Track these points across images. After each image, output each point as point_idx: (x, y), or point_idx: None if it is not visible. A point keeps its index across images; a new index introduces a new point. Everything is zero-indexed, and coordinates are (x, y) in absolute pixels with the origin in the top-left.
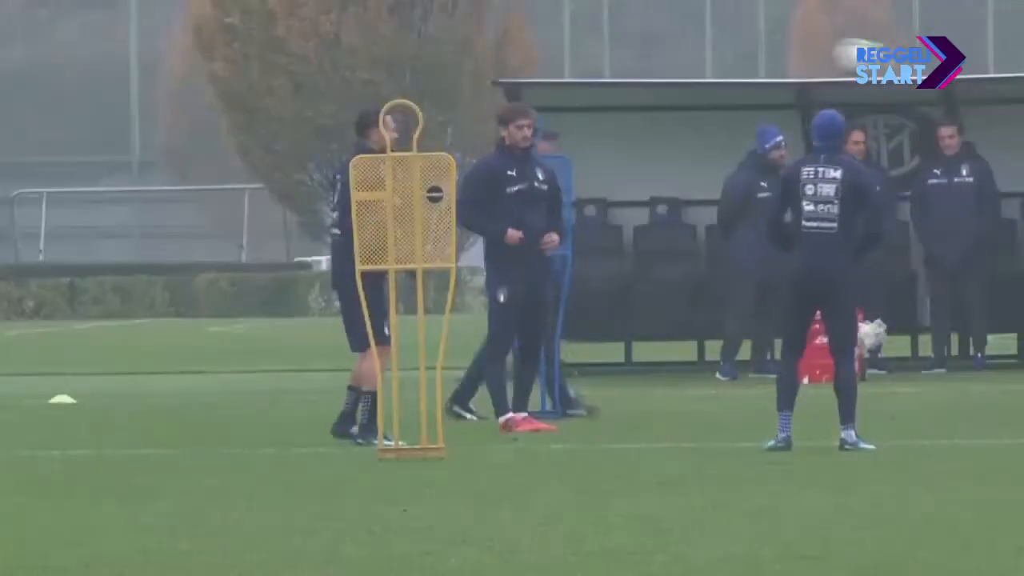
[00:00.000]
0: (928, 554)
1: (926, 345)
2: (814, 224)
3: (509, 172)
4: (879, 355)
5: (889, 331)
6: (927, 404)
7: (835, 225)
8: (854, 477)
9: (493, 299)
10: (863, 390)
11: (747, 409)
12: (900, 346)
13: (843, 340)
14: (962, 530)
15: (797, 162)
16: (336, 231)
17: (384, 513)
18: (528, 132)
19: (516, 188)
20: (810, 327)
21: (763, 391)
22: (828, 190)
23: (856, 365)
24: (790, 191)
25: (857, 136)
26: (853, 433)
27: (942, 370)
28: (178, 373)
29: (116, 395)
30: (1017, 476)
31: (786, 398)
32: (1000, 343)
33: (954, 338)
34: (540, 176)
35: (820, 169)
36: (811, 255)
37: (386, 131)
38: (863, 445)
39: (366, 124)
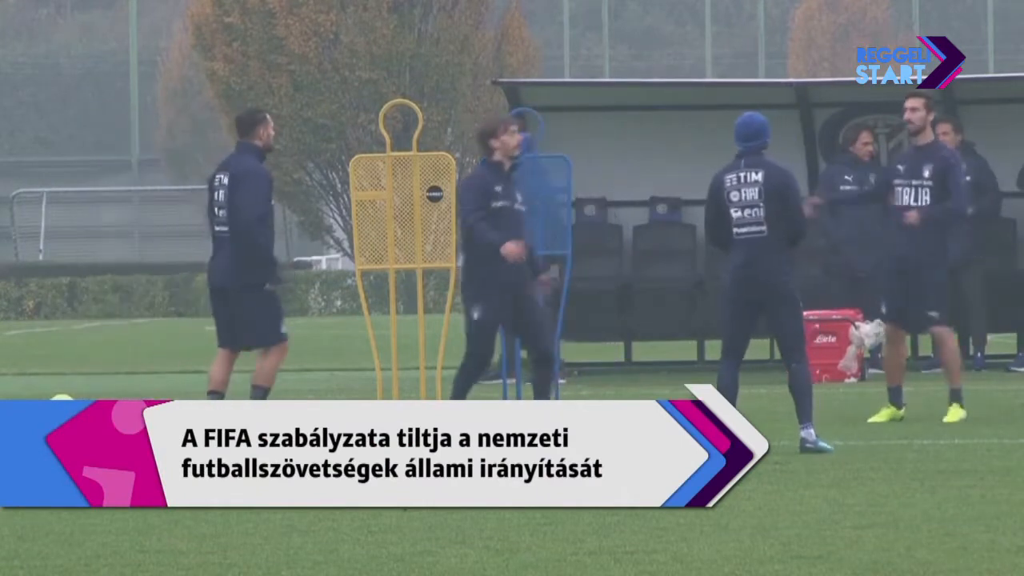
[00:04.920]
0: (928, 554)
1: (926, 345)
2: (744, 230)
3: (496, 188)
4: (879, 355)
5: None
6: (927, 404)
7: (764, 228)
8: (854, 477)
9: (468, 315)
10: (863, 390)
11: (747, 409)
12: None
13: (793, 340)
14: (962, 530)
15: (721, 170)
16: (224, 229)
17: (384, 513)
18: (520, 138)
19: (500, 204)
20: (750, 333)
21: (764, 392)
22: (752, 194)
23: (855, 365)
24: (717, 200)
25: (866, 137)
26: (812, 432)
27: (942, 370)
28: (178, 373)
29: (116, 395)
30: (1017, 476)
31: None
32: (1000, 343)
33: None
34: (519, 197)
35: (742, 174)
36: (745, 260)
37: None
38: (822, 444)
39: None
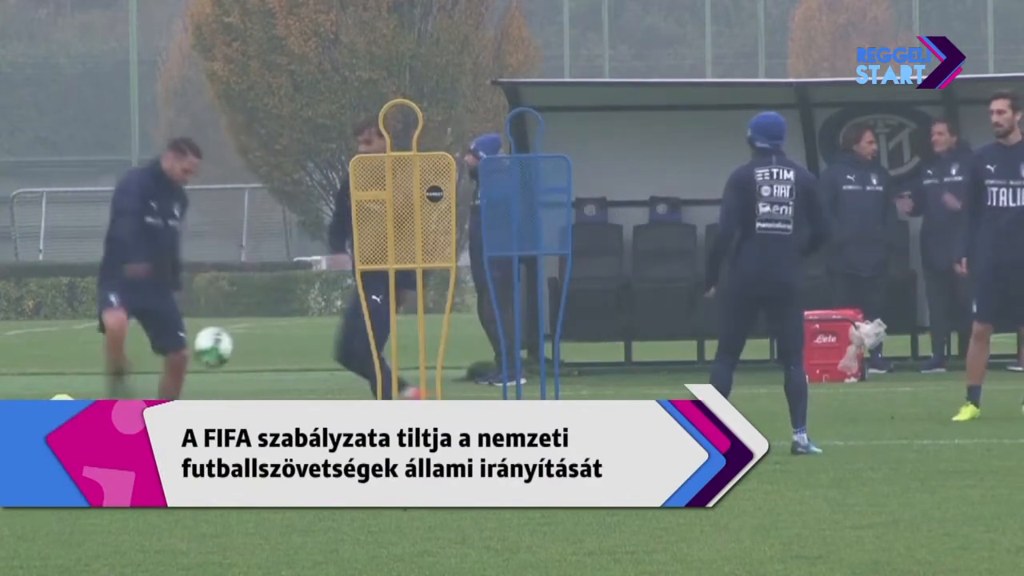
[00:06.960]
0: (928, 554)
1: (926, 345)
2: (768, 225)
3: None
4: (879, 355)
5: (889, 331)
6: (927, 404)
7: (789, 227)
8: (854, 477)
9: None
10: (863, 390)
11: (747, 409)
12: (900, 346)
13: (793, 342)
14: (962, 530)
15: (749, 164)
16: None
17: (384, 513)
18: (364, 148)
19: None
20: (749, 332)
21: (764, 392)
22: (783, 191)
23: (855, 365)
24: (745, 193)
25: (869, 136)
26: (805, 436)
27: (942, 370)
28: None
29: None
30: (1017, 476)
31: None
32: (1000, 343)
33: (954, 338)
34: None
35: (775, 170)
36: (765, 257)
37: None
38: (814, 449)
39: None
